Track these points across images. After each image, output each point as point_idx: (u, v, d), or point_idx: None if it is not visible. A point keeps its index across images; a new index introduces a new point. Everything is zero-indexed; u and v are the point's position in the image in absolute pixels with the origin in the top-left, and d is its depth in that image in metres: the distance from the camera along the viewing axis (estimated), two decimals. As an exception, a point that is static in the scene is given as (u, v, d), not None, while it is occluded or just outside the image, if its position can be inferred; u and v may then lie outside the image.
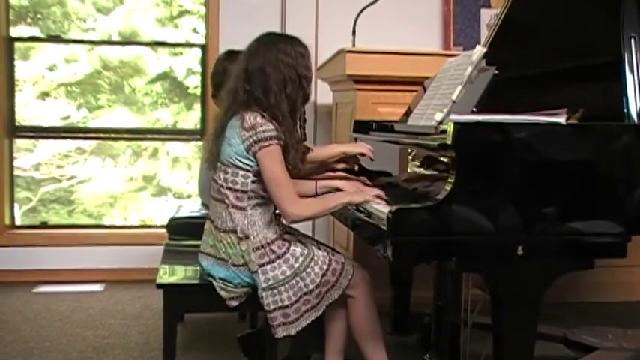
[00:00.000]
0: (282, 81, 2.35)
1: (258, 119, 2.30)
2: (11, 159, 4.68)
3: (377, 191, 2.33)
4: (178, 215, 3.69)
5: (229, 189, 2.36)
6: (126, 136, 4.84)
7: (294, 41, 2.43)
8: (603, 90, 2.25)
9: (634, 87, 2.13)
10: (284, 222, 2.43)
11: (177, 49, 4.87)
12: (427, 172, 2.28)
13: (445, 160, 2.07)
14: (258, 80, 2.35)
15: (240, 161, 2.33)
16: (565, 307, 3.67)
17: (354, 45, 3.80)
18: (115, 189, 4.91)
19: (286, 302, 2.30)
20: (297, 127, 2.43)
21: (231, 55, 3.25)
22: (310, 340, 2.60)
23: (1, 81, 4.53)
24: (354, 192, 2.42)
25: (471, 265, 2.09)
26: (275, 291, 2.30)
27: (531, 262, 1.99)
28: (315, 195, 2.53)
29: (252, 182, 2.34)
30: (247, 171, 2.34)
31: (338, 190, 2.52)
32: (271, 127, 2.30)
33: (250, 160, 2.32)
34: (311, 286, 2.32)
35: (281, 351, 2.67)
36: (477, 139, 1.97)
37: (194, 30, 4.85)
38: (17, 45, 4.67)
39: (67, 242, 4.57)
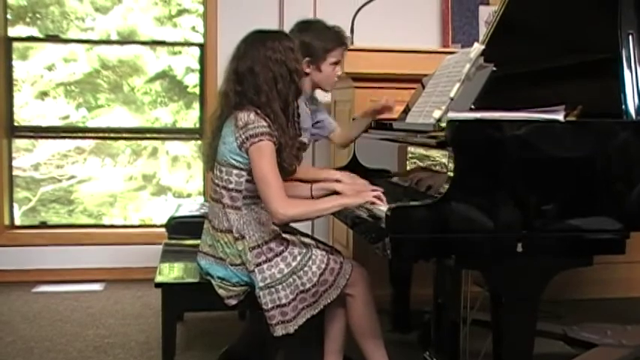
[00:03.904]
0: (272, 79, 2.33)
1: (252, 116, 2.29)
2: (10, 159, 4.67)
3: (376, 192, 2.27)
4: (177, 214, 3.69)
5: (224, 188, 2.35)
6: (125, 135, 4.84)
7: (281, 36, 2.42)
8: (601, 87, 2.25)
9: (632, 84, 2.13)
10: (274, 221, 2.36)
11: (176, 48, 4.86)
12: (426, 170, 2.27)
13: (444, 157, 2.07)
14: (249, 81, 2.33)
15: (234, 159, 2.32)
16: (564, 304, 3.67)
17: (352, 43, 3.79)
18: (115, 188, 4.91)
19: (284, 301, 2.30)
20: (291, 122, 2.40)
21: None
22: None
23: (-1, 81, 4.53)
24: (351, 194, 2.39)
25: (470, 263, 2.09)
26: (272, 290, 2.30)
27: (530, 260, 1.99)
28: (311, 198, 2.51)
29: (247, 181, 2.33)
30: (241, 169, 2.32)
31: (336, 193, 2.46)
32: (264, 123, 2.28)
33: (243, 157, 2.30)
34: (308, 285, 2.32)
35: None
36: (475, 137, 1.97)
37: (193, 28, 4.85)
38: (15, 45, 4.66)
39: (67, 242, 4.57)
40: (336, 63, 2.86)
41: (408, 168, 2.45)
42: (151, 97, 4.89)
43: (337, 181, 2.61)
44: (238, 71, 2.36)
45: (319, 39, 2.80)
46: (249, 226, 2.34)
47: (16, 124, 4.66)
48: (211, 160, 2.43)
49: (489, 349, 2.09)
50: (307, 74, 2.80)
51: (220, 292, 2.38)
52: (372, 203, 2.22)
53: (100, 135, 4.82)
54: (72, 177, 4.86)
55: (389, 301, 3.20)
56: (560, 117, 2.01)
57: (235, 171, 2.33)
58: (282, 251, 2.34)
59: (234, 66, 2.38)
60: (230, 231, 2.34)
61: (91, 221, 4.88)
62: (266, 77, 2.32)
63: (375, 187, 2.32)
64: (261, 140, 2.27)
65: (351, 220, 2.46)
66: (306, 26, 2.85)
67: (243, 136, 2.28)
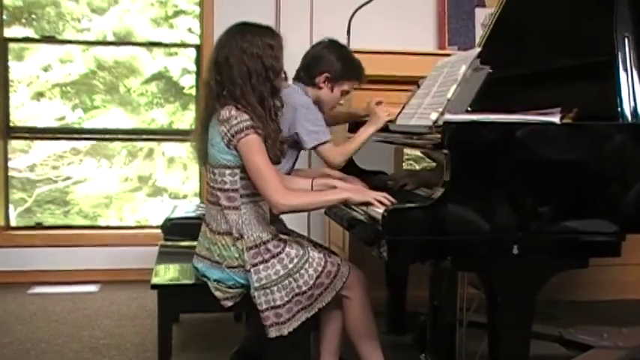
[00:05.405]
0: (246, 73, 2.29)
1: (233, 112, 2.26)
2: (6, 160, 4.67)
3: (381, 194, 2.24)
4: (173, 215, 3.69)
5: (220, 190, 2.34)
6: (121, 136, 4.84)
7: (264, 31, 2.38)
8: (597, 89, 2.25)
9: (627, 86, 2.13)
10: (275, 212, 2.34)
11: (172, 49, 4.87)
12: (422, 172, 2.28)
13: (440, 159, 2.07)
14: (226, 72, 2.31)
15: (225, 159, 2.30)
16: (559, 305, 3.68)
17: (348, 44, 3.80)
18: (111, 189, 4.91)
19: (278, 302, 2.29)
20: (269, 116, 2.35)
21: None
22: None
23: (-5, 82, 4.53)
24: (354, 190, 2.38)
25: (467, 265, 2.10)
26: (267, 291, 2.29)
27: (526, 261, 1.99)
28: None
29: (241, 179, 2.31)
30: (233, 168, 2.30)
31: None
32: (246, 117, 2.26)
33: (233, 155, 2.28)
34: (304, 288, 2.31)
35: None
36: (472, 139, 1.97)
37: (189, 30, 4.85)
38: (11, 46, 4.66)
39: (63, 243, 4.56)
40: (345, 92, 2.90)
41: (405, 170, 2.45)
42: (147, 98, 4.89)
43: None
44: (217, 61, 2.34)
45: (344, 63, 2.85)
46: (248, 225, 2.32)
47: (11, 124, 4.66)
48: (203, 154, 2.42)
49: (485, 351, 2.10)
50: (320, 88, 2.85)
51: (217, 294, 2.37)
52: (370, 204, 2.21)
53: (96, 136, 4.82)
54: (68, 178, 4.86)
55: (385, 302, 3.20)
56: (556, 119, 2.01)
57: (228, 171, 2.32)
58: (279, 253, 2.33)
59: (214, 55, 2.37)
60: (229, 233, 2.33)
61: (87, 222, 4.88)
62: (240, 70, 2.29)
63: (383, 194, 2.27)
64: (247, 135, 2.24)
65: (347, 222, 2.46)
66: (337, 48, 2.89)
67: (229, 134, 2.26)
